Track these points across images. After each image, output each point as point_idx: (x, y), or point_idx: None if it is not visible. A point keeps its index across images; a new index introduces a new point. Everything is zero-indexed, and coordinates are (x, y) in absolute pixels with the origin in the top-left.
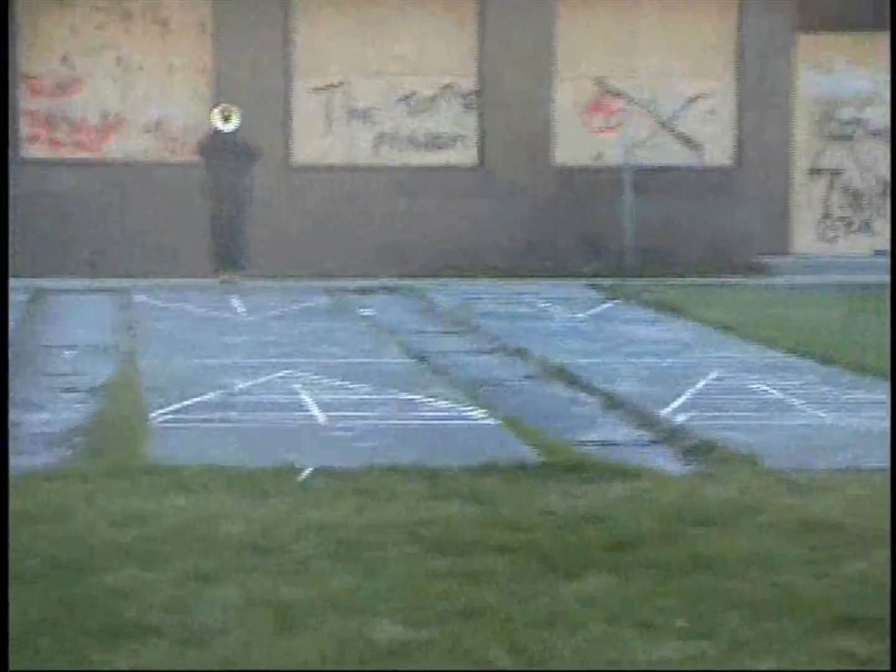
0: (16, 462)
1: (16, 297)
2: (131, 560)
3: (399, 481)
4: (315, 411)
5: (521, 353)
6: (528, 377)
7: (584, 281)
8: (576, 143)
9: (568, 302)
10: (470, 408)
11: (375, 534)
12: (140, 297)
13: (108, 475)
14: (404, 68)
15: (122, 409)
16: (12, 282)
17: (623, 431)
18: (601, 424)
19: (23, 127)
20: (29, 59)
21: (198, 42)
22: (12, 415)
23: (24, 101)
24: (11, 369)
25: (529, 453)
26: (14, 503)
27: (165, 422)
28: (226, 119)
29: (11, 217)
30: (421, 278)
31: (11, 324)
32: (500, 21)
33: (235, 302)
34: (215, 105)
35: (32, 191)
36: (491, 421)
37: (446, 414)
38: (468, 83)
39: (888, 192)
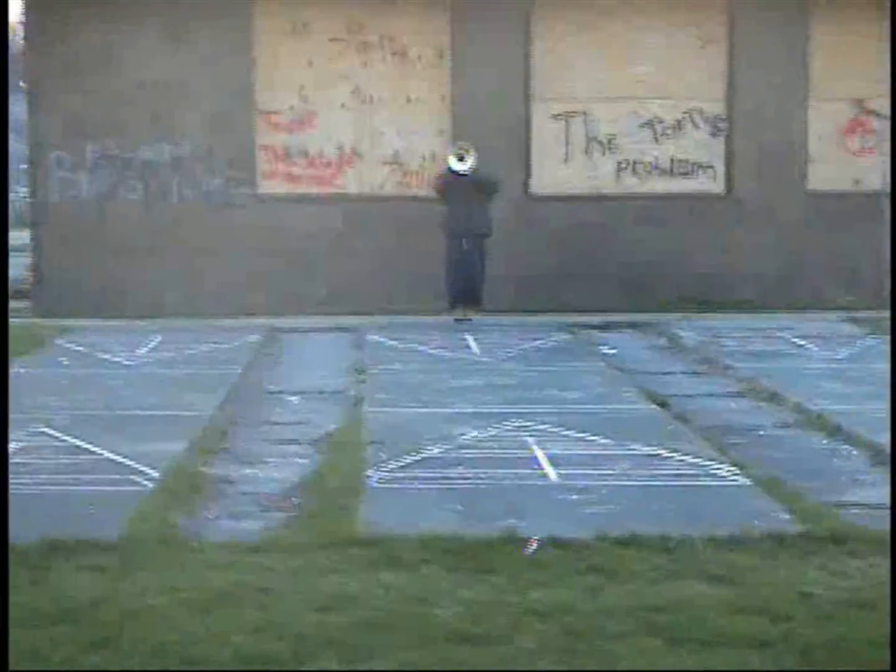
0: (227, 526)
1: (249, 337)
2: (332, 652)
3: (636, 556)
4: (547, 468)
5: (774, 397)
6: (782, 425)
7: (840, 314)
8: (831, 168)
9: (824, 338)
10: (718, 463)
11: (607, 621)
12: (373, 336)
13: (318, 548)
14: (648, 92)
15: (343, 466)
16: (248, 321)
17: None
18: (868, 483)
19: (260, 163)
20: (265, 94)
21: (436, 72)
22: (230, 470)
23: (261, 137)
24: (237, 418)
25: (786, 521)
26: (216, 579)
27: (386, 480)
28: (460, 158)
29: (250, 253)
30: (665, 312)
31: (240, 367)
32: (750, 40)
33: (470, 341)
34: (452, 142)
35: (269, 227)
36: (742, 480)
37: (691, 472)
38: (715, 106)
39: None
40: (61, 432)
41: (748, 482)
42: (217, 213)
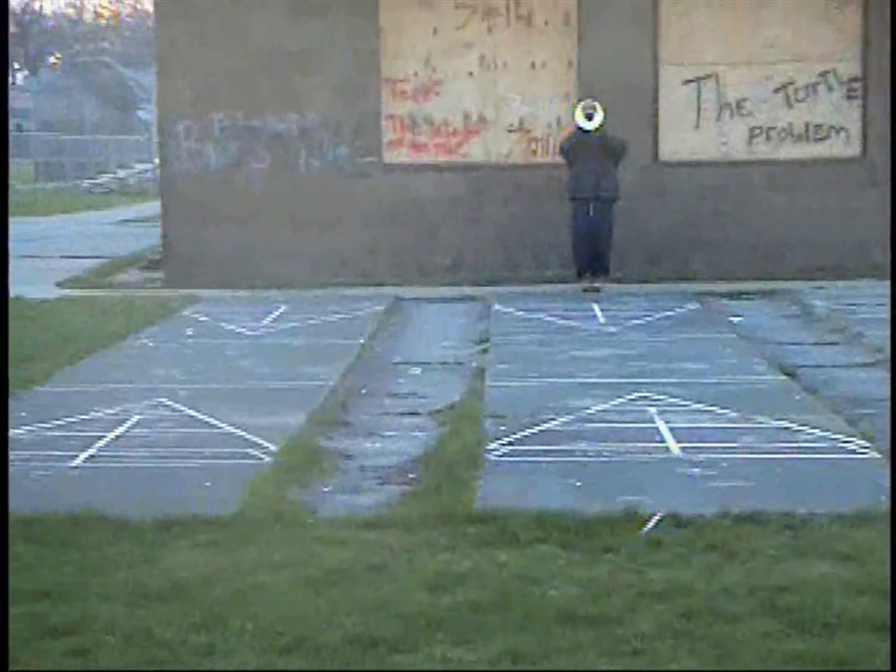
0: (343, 501)
1: (374, 307)
2: (444, 634)
3: (759, 534)
4: (670, 442)
5: None
6: None
7: None
8: None
9: None
10: (848, 437)
11: (727, 603)
12: (498, 306)
13: (433, 524)
14: (780, 55)
15: (462, 439)
16: (373, 290)
17: None
18: None
19: (386, 132)
20: (391, 62)
21: (563, 37)
22: (349, 443)
23: (386, 106)
24: (359, 389)
25: None
26: (328, 556)
27: (505, 454)
28: (589, 117)
29: (375, 223)
30: (797, 280)
31: (363, 337)
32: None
33: (596, 310)
34: (579, 101)
35: (395, 197)
36: (872, 454)
37: (820, 445)
38: (850, 69)
39: None
40: (181, 404)
41: (878, 456)
42: (343, 182)
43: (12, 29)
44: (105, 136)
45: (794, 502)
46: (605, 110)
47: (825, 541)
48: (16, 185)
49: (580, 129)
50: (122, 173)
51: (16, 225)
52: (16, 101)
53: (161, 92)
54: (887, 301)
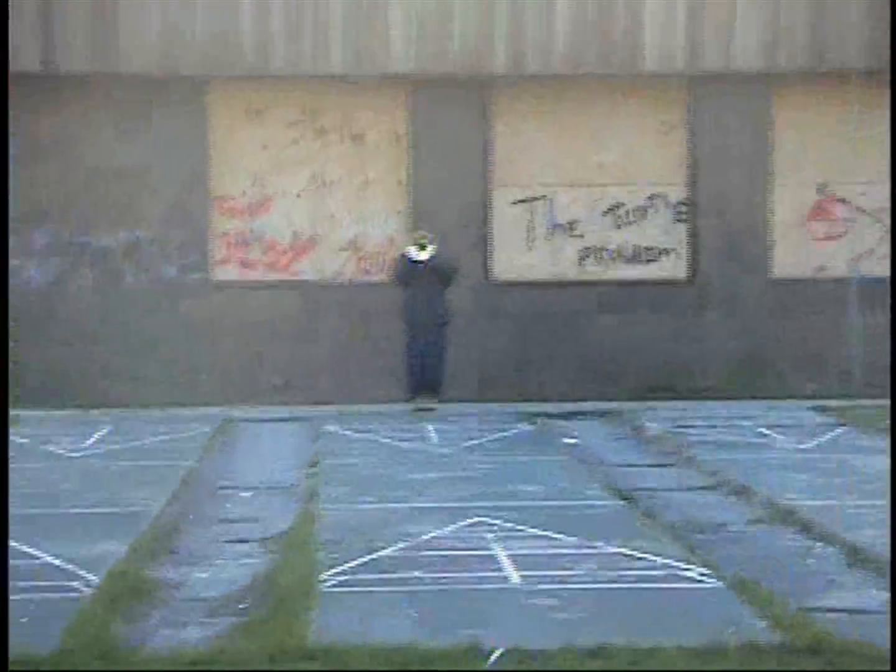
0: (169, 635)
1: (202, 428)
2: None
3: (604, 668)
4: (509, 569)
5: (743, 490)
6: (753, 521)
7: (807, 403)
8: (796, 254)
9: (792, 428)
10: (687, 563)
11: None
12: (330, 427)
13: (265, 659)
14: (609, 178)
15: (293, 568)
16: (202, 410)
17: (872, 595)
18: (845, 585)
19: (215, 249)
20: (219, 180)
21: (394, 155)
22: (177, 572)
23: (215, 223)
24: (189, 514)
25: (762, 629)
26: None
27: (338, 584)
28: (421, 248)
29: (204, 341)
30: (629, 401)
31: (190, 459)
32: (712, 124)
33: (430, 430)
34: (410, 230)
35: (224, 314)
36: (713, 582)
37: (661, 573)
38: (678, 192)
39: None
40: None
41: (720, 585)
42: (170, 299)
43: None
44: None
45: (638, 634)
46: (435, 238)
47: None
48: None
49: (411, 259)
50: None
51: None
52: None
53: None
54: (720, 421)
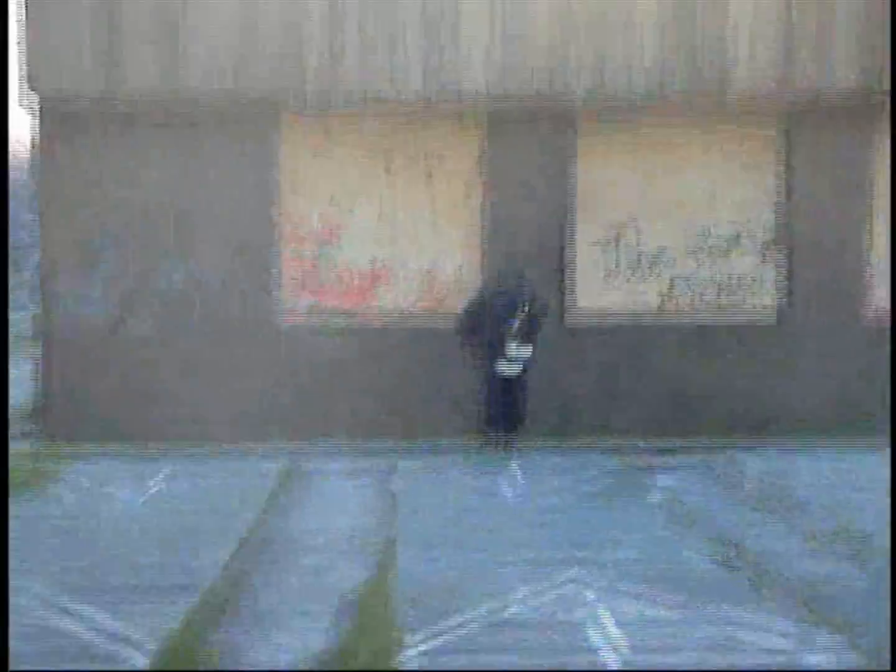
0: None
1: (269, 465)
2: None
3: None
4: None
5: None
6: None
7: None
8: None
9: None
10: (820, 633)
11: None
12: (406, 464)
13: None
14: (695, 212)
15: (368, 637)
16: (269, 448)
17: None
18: None
19: (282, 282)
20: (288, 212)
21: (469, 189)
22: (245, 635)
23: (284, 255)
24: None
25: None
26: None
27: (419, 654)
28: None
29: (274, 379)
30: (717, 438)
31: (258, 509)
32: (805, 156)
33: (510, 474)
34: (486, 269)
35: (294, 351)
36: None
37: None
38: (767, 229)
39: None
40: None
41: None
42: (239, 337)
43: None
44: None
45: None
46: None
47: None
48: None
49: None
50: None
51: None
52: None
53: (45, 237)
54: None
